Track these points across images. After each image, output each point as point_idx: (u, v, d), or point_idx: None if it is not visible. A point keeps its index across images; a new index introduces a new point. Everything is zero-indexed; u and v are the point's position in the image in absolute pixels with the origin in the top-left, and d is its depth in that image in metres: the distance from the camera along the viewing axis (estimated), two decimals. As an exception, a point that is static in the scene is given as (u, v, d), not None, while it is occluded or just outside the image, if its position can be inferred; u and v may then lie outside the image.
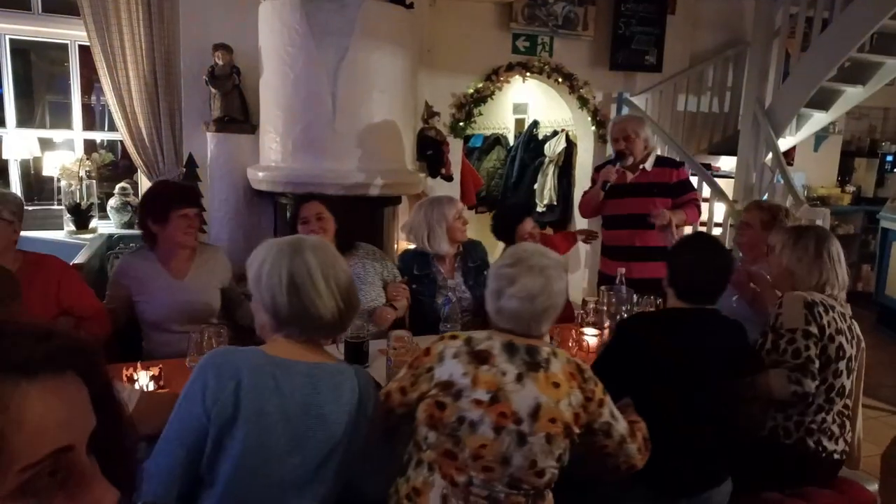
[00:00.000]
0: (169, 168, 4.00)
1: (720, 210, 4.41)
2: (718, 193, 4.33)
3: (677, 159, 3.99)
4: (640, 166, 3.25)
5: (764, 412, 1.95)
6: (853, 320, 2.02)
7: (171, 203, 2.31)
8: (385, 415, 1.45)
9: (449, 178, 4.35)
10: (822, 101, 4.57)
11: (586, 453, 1.47)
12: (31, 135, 4.32)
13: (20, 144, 4.20)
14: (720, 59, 5.58)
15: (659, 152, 4.83)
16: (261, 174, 3.57)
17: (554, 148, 5.52)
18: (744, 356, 1.86)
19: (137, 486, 0.65)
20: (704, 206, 4.45)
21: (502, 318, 1.45)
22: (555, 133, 5.62)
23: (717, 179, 4.56)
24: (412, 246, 2.86)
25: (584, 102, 5.07)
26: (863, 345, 2.35)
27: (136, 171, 4.26)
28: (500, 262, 1.49)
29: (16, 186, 4.29)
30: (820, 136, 6.16)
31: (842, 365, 1.89)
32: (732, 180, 4.76)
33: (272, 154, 3.58)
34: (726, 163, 5.53)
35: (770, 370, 1.88)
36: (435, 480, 1.38)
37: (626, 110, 5.13)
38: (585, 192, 3.51)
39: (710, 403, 1.74)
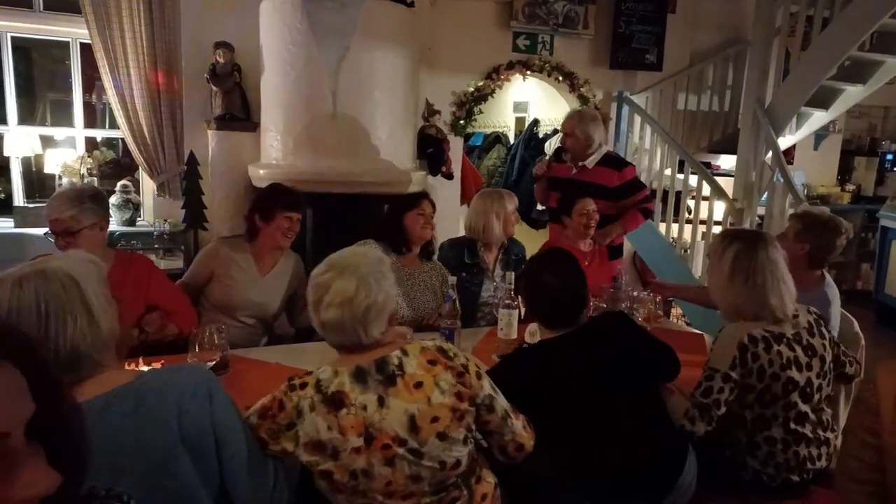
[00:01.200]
0: (170, 165, 4.02)
1: (720, 208, 4.42)
2: (718, 192, 4.34)
3: (624, 158, 3.86)
4: (581, 163, 3.28)
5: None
6: (818, 327, 1.85)
7: (280, 204, 2.48)
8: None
9: (449, 177, 4.36)
10: (822, 99, 4.58)
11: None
12: (33, 132, 4.33)
13: (22, 142, 4.21)
14: (720, 57, 5.59)
15: (659, 151, 4.87)
16: (262, 172, 3.58)
17: (554, 146, 5.52)
18: (645, 355, 1.77)
19: (86, 468, 0.66)
20: (704, 205, 4.47)
21: (328, 333, 1.38)
22: (555, 131, 5.62)
23: (716, 178, 4.57)
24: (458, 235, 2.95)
25: (584, 101, 5.08)
26: (862, 342, 2.35)
27: (138, 168, 4.27)
28: (315, 271, 1.41)
29: (17, 184, 4.30)
30: (820, 135, 6.17)
31: (794, 396, 1.74)
32: (732, 179, 4.77)
33: (273, 152, 3.59)
34: (726, 161, 5.54)
35: (677, 394, 1.81)
36: None
37: (626, 109, 5.14)
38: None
39: (628, 410, 1.67)
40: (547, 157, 3.33)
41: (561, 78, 4.99)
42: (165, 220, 4.13)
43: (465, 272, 2.76)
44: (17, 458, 0.53)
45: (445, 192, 4.57)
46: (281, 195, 2.55)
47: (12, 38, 4.18)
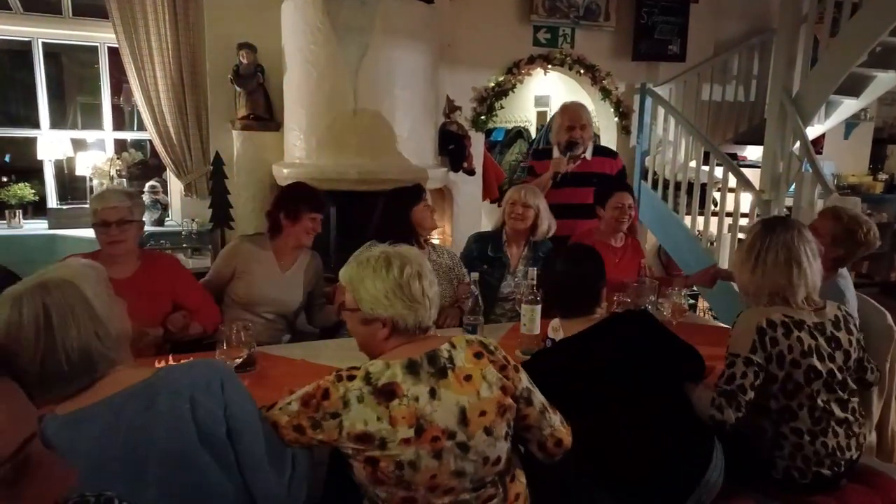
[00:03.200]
0: (197, 166, 4.09)
1: (747, 200, 4.35)
2: (745, 183, 4.27)
3: (614, 149, 3.93)
4: (582, 156, 3.26)
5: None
6: (847, 324, 1.80)
7: (305, 205, 2.53)
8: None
9: (471, 173, 4.36)
10: (853, 87, 4.47)
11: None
12: (65, 136, 4.43)
13: (54, 145, 4.32)
14: (745, 46, 5.49)
15: (684, 143, 4.81)
16: (286, 171, 3.62)
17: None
18: (669, 354, 1.77)
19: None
20: (730, 197, 4.40)
21: (393, 301, 1.37)
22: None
23: (743, 169, 4.50)
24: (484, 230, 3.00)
25: (606, 94, 5.03)
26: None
27: (165, 169, 4.35)
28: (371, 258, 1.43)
29: (51, 186, 4.41)
30: (850, 124, 6.02)
31: (818, 385, 1.71)
32: (759, 170, 4.69)
33: (296, 151, 3.63)
34: (752, 152, 5.44)
35: (701, 385, 1.78)
36: None
37: (649, 101, 5.08)
38: (528, 182, 3.42)
39: (653, 407, 1.67)
40: (562, 154, 3.28)
41: (582, 71, 4.95)
42: (193, 220, 4.20)
43: (487, 265, 2.77)
44: (43, 457, 0.56)
45: (467, 189, 4.58)
46: (306, 196, 2.59)
47: (42, 43, 4.28)
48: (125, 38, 3.83)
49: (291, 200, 2.57)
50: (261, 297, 2.53)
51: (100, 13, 4.01)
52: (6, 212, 4.21)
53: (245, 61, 3.77)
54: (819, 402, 1.73)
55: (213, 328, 2.28)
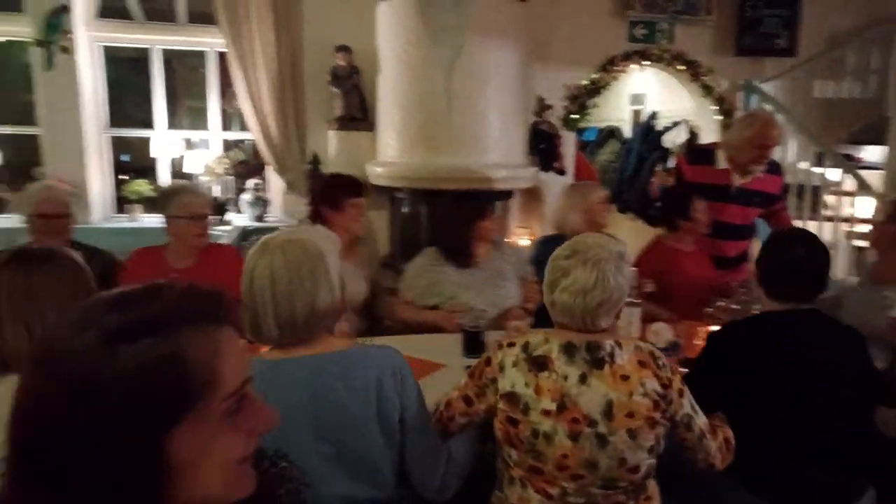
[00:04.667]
0: (296, 164, 4.25)
1: (865, 205, 4.03)
2: (863, 186, 3.96)
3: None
4: (755, 172, 2.86)
5: None
6: None
7: (345, 193, 2.56)
8: (444, 420, 1.44)
9: (562, 172, 4.29)
10: None
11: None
12: (178, 136, 4.73)
13: (169, 145, 4.62)
14: (862, 39, 5.08)
15: (793, 143, 4.52)
16: (379, 169, 3.70)
17: (674, 139, 5.30)
18: (859, 362, 1.67)
19: None
20: (846, 200, 4.10)
21: (556, 312, 1.40)
22: (675, 124, 5.38)
23: (860, 171, 4.17)
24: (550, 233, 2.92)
25: (707, 91, 4.80)
26: None
27: (264, 167, 4.55)
28: (558, 252, 1.43)
29: (165, 182, 4.70)
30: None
31: None
32: (880, 172, 4.33)
33: (389, 150, 3.70)
34: (871, 153, 5.03)
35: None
36: (530, 496, 1.36)
37: (754, 98, 4.81)
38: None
39: (829, 409, 1.58)
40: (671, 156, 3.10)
41: (682, 67, 4.75)
42: (293, 216, 4.37)
43: None
44: (255, 398, 0.64)
45: (558, 189, 4.50)
46: (344, 184, 2.61)
47: (161, 51, 4.57)
48: (233, 42, 4.03)
49: (331, 190, 2.59)
50: None
51: (209, 20, 4.25)
52: (124, 206, 4.55)
53: (342, 63, 3.89)
54: None
55: None
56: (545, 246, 2.82)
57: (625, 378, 1.32)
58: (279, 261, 1.26)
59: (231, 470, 0.61)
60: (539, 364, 1.33)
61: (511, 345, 1.38)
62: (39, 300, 1.25)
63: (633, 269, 2.25)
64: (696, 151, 3.17)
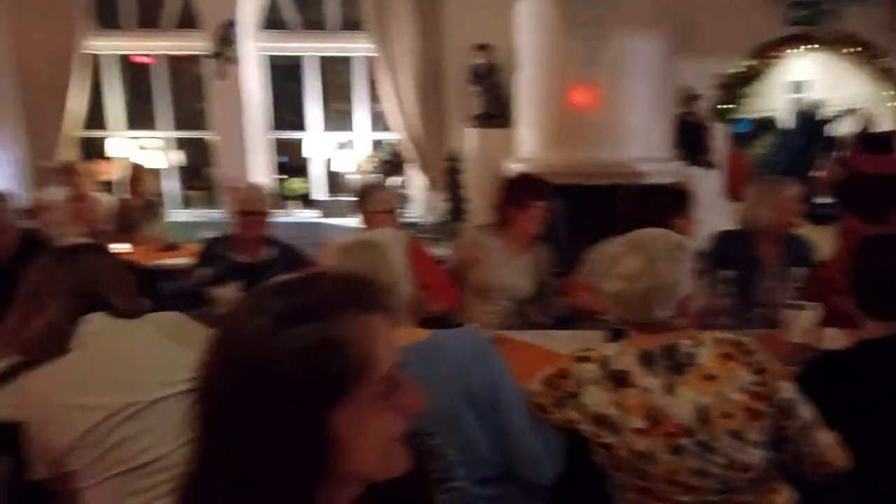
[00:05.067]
0: (436, 162, 4.39)
1: None
2: None
3: None
4: None
5: None
6: None
7: (532, 195, 2.61)
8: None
9: (710, 166, 4.06)
10: None
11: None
12: (332, 137, 5.06)
13: (322, 146, 4.94)
14: None
15: None
16: (516, 166, 3.72)
17: (840, 130, 4.80)
18: None
19: None
20: None
21: (612, 304, 1.35)
22: (843, 112, 4.88)
23: None
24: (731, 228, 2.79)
25: (885, 76, 4.30)
26: None
27: (404, 165, 4.73)
28: (612, 242, 1.40)
29: (320, 181, 5.02)
30: None
31: None
32: None
33: (527, 146, 3.71)
34: None
35: None
36: None
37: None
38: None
39: None
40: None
41: (851, 50, 4.30)
42: (432, 212, 4.52)
43: (736, 268, 2.53)
44: (403, 381, 0.68)
45: (707, 183, 4.25)
46: (532, 185, 2.64)
47: (315, 57, 4.90)
48: (381, 47, 4.23)
49: (517, 190, 2.63)
50: (493, 283, 2.63)
51: (357, 26, 4.50)
52: (281, 202, 4.95)
53: (481, 61, 3.95)
54: None
55: (451, 309, 2.46)
56: (724, 240, 2.69)
57: (711, 378, 1.25)
58: (351, 262, 1.34)
59: (386, 448, 0.65)
60: (619, 380, 1.27)
61: (587, 359, 1.32)
62: (97, 286, 1.40)
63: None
64: (872, 140, 2.85)
